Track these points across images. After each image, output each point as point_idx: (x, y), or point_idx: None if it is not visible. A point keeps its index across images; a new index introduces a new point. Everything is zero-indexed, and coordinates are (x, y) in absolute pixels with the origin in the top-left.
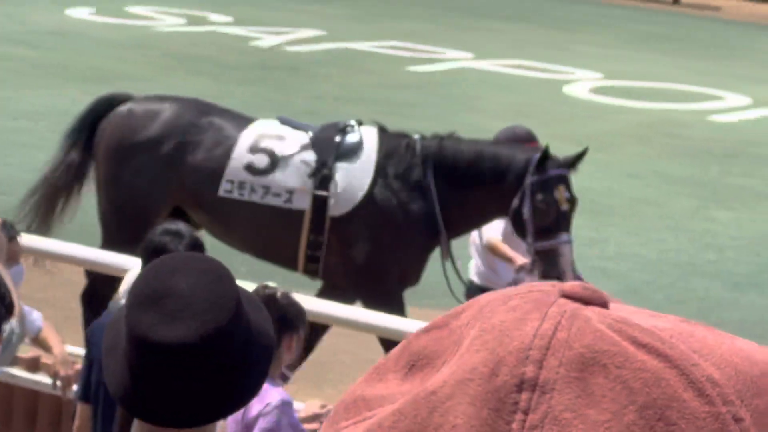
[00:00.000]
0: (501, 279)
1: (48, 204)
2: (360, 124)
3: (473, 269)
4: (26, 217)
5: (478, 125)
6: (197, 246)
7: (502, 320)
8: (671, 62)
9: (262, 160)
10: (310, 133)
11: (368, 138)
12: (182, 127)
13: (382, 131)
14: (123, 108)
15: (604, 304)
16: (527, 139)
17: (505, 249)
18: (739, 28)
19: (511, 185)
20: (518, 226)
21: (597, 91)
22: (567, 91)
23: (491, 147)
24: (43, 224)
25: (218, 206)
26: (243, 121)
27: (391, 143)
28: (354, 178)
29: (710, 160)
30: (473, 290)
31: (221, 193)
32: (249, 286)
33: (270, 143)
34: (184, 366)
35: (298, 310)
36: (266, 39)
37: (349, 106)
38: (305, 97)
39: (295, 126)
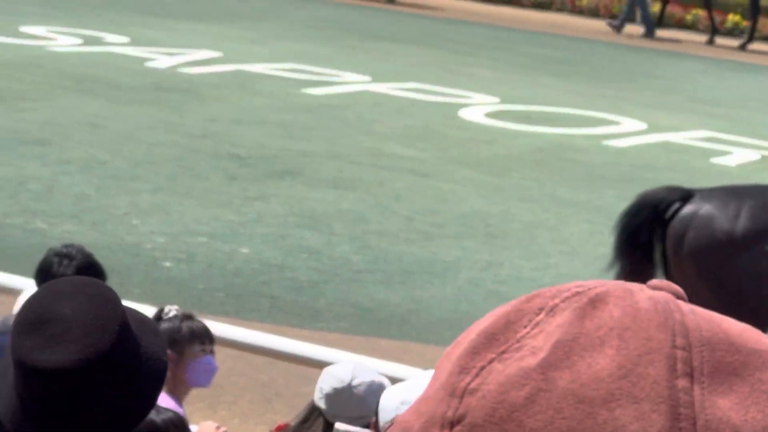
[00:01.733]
0: None
1: None
2: None
3: None
4: None
5: (375, 148)
6: (89, 268)
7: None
8: (567, 86)
9: None
10: None
11: None
12: None
13: None
14: (697, 210)
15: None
16: None
17: None
18: (636, 52)
19: None
20: None
21: (493, 115)
22: (463, 114)
23: None
24: None
25: None
26: None
27: None
28: None
29: (605, 184)
30: None
31: None
32: (148, 309)
33: None
34: (66, 390)
35: (196, 329)
36: (162, 60)
37: (244, 129)
38: (200, 118)
39: None
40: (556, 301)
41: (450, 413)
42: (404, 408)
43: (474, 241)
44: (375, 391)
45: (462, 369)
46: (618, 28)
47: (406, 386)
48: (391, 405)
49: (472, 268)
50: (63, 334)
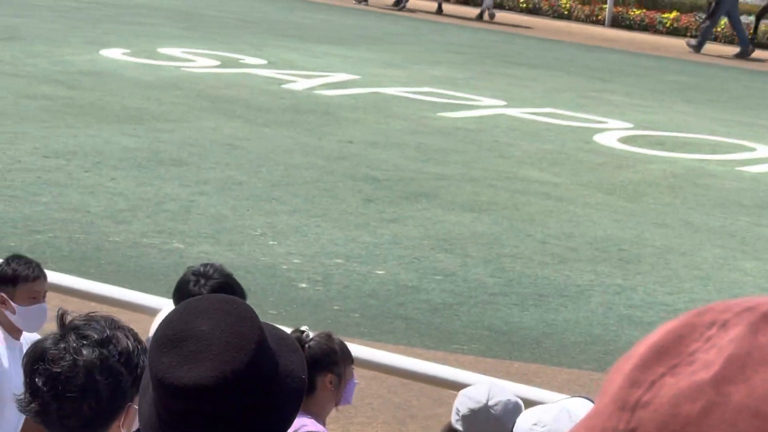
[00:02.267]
0: None
1: None
2: None
3: None
4: None
5: (510, 172)
6: (226, 287)
7: None
8: (701, 112)
9: None
10: None
11: None
12: None
13: None
14: None
15: None
16: None
17: None
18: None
19: None
20: None
21: (627, 140)
22: (597, 139)
23: None
24: None
25: None
26: None
27: None
28: None
29: (739, 210)
30: None
31: None
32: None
33: None
34: (203, 408)
35: (335, 350)
36: (299, 82)
37: (381, 151)
38: (337, 140)
39: None
40: (728, 315)
41: (621, 426)
42: (537, 429)
43: (607, 265)
44: (511, 410)
45: (633, 383)
46: (697, 48)
47: (542, 409)
48: (525, 425)
49: (605, 292)
50: (200, 352)
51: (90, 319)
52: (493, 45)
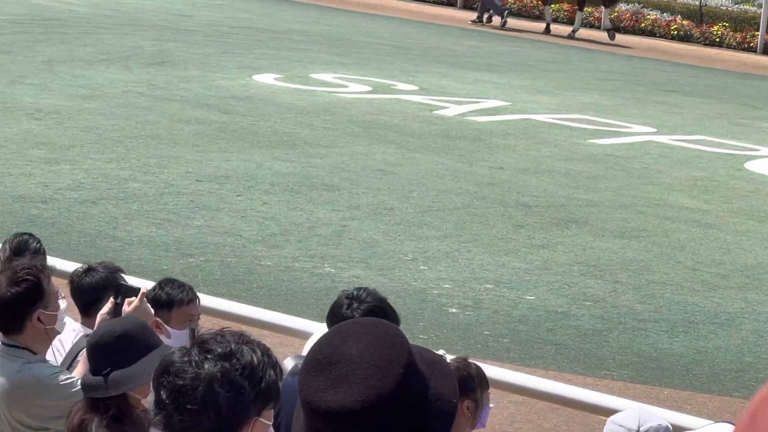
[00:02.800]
0: None
1: None
2: None
3: None
4: None
5: (660, 199)
6: (378, 311)
7: None
8: None
9: None
10: None
11: None
12: None
13: None
14: None
15: None
16: None
17: None
18: None
19: None
20: None
21: None
22: (749, 167)
23: None
24: None
25: None
26: None
27: None
28: None
29: None
30: None
31: None
32: None
33: None
34: (350, 431)
35: (472, 376)
36: (450, 108)
37: (531, 177)
38: (488, 166)
39: None
40: None
41: None
42: None
43: (758, 292)
44: None
45: None
46: None
47: None
48: None
49: (756, 320)
50: (348, 375)
51: (218, 333)
52: (643, 72)
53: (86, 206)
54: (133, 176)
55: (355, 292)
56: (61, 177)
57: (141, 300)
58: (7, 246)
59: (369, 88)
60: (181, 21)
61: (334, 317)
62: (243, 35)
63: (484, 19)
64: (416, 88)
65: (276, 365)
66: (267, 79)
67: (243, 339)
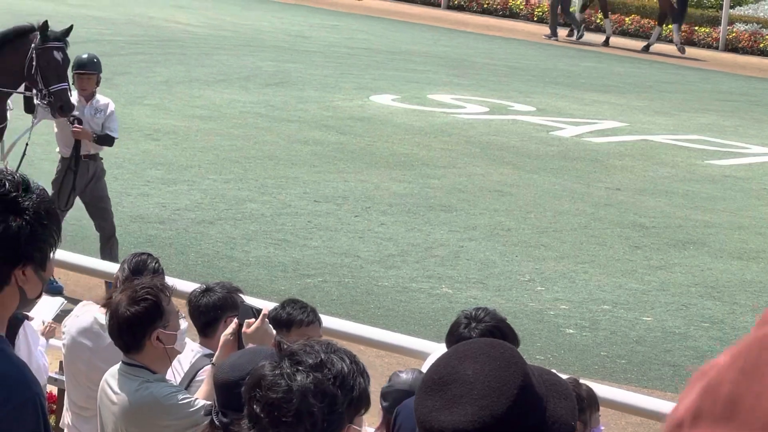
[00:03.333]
0: None
1: None
2: None
3: None
4: None
5: None
6: (496, 331)
7: None
8: None
9: None
10: None
11: None
12: None
13: None
14: None
15: None
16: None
17: None
18: None
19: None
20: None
21: None
22: None
23: None
24: None
25: None
26: None
27: None
28: None
29: None
30: None
31: None
32: None
33: None
34: None
35: (581, 397)
36: (567, 129)
37: (648, 198)
38: (605, 187)
39: None
40: None
41: None
42: None
43: None
44: None
45: None
46: None
47: None
48: None
49: None
50: (462, 396)
51: (306, 344)
52: (763, 93)
53: (204, 226)
54: (251, 197)
55: (474, 312)
56: (178, 197)
57: (262, 321)
58: (126, 266)
59: (486, 109)
60: (300, 42)
61: (452, 337)
62: (361, 56)
63: (575, 35)
64: (533, 108)
65: (364, 372)
66: (384, 99)
67: (331, 348)
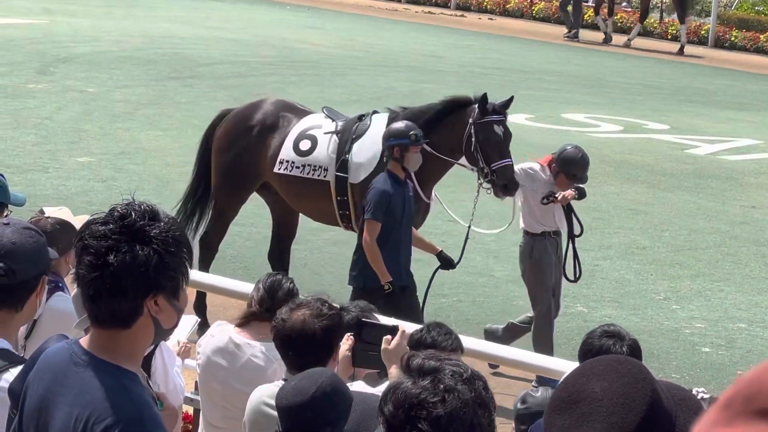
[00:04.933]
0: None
1: None
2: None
3: None
4: None
5: None
6: (636, 347)
7: None
8: None
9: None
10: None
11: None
12: None
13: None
14: None
15: None
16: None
17: None
18: None
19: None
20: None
21: None
22: None
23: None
24: None
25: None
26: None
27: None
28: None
29: None
30: None
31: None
32: None
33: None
34: None
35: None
36: (702, 147)
37: None
38: (740, 205)
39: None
40: None
41: None
42: None
43: None
44: None
45: None
46: None
47: None
48: None
49: None
50: (591, 413)
51: (434, 356)
52: None
53: (338, 247)
54: None
55: (611, 328)
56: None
57: (402, 338)
58: (261, 285)
59: (620, 128)
60: (433, 62)
61: (585, 355)
62: (494, 76)
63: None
64: (667, 127)
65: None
66: (518, 119)
67: (440, 356)
